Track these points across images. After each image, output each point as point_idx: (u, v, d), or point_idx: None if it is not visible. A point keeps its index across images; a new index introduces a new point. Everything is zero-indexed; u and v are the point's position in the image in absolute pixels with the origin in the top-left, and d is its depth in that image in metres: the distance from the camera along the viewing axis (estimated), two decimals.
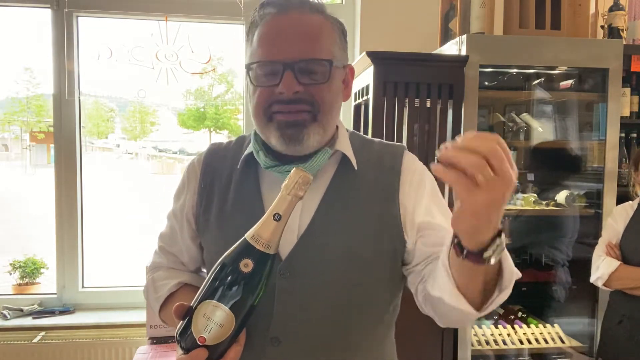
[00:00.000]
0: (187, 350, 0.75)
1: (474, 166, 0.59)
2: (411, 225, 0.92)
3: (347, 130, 1.01)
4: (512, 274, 0.76)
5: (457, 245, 0.71)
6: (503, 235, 0.72)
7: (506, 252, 0.75)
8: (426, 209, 0.93)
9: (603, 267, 1.89)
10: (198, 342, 0.74)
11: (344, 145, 0.95)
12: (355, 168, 0.93)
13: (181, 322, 0.76)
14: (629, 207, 1.99)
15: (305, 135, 0.87)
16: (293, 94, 0.85)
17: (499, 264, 0.75)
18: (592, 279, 1.96)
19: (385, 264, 0.92)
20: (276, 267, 0.85)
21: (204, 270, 1.08)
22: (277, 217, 0.74)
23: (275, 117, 0.87)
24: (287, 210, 0.74)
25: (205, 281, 0.76)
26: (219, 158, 1.01)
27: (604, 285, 1.91)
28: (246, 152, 0.97)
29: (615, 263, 1.87)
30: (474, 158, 0.59)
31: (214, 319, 0.73)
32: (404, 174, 0.95)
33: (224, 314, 0.73)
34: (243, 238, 0.75)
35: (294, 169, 0.75)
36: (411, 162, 0.97)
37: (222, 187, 0.97)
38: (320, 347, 0.89)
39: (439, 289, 0.80)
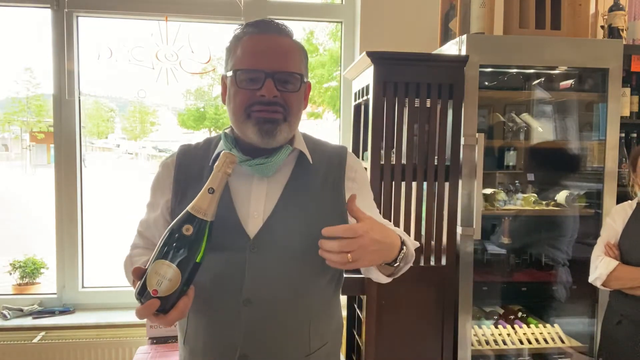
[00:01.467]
0: (142, 301, 0.89)
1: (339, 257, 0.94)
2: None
3: (301, 133, 1.22)
4: (412, 254, 1.12)
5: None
6: (404, 247, 1.06)
7: (406, 237, 1.10)
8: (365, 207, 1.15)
9: (601, 267, 1.89)
10: (151, 294, 0.88)
11: (301, 144, 1.16)
12: (311, 162, 1.15)
13: (139, 282, 0.91)
14: (627, 207, 1.98)
15: (278, 131, 1.06)
16: (272, 97, 1.05)
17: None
18: (590, 279, 1.96)
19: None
20: (246, 244, 1.06)
21: None
22: (211, 191, 0.92)
23: (254, 115, 1.06)
24: (219, 185, 0.93)
25: (157, 246, 0.91)
26: (190, 157, 1.18)
27: (603, 285, 1.90)
28: (217, 150, 1.14)
29: (613, 263, 1.87)
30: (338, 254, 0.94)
31: (164, 275, 0.88)
32: (347, 169, 1.19)
33: (172, 270, 0.89)
34: (186, 209, 0.92)
35: (223, 151, 0.95)
36: (352, 161, 1.21)
37: (194, 182, 1.11)
38: (284, 306, 1.09)
39: (365, 272, 1.15)
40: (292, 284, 1.08)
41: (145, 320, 2.09)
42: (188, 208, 0.92)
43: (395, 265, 1.05)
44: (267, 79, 1.04)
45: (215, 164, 0.94)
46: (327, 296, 1.17)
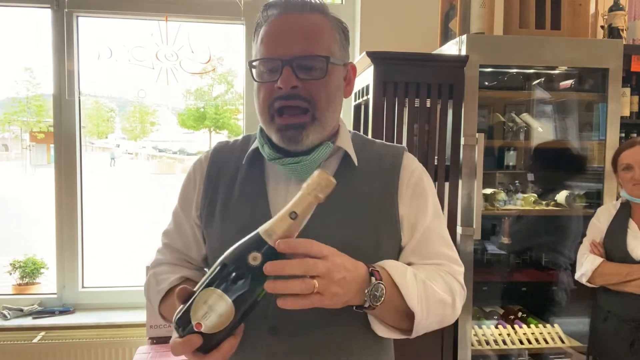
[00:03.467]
0: (183, 334, 0.74)
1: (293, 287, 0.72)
2: (408, 228, 0.98)
3: (350, 131, 1.04)
4: (414, 306, 0.87)
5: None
6: (372, 280, 0.82)
7: (408, 285, 0.86)
8: (424, 234, 0.98)
9: (587, 264, 1.96)
10: (194, 328, 0.72)
11: (345, 143, 0.99)
12: (356, 164, 0.98)
13: (182, 306, 0.75)
14: (612, 207, 2.04)
15: (305, 136, 0.92)
16: (291, 88, 0.89)
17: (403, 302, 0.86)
18: (576, 276, 2.02)
19: (382, 258, 0.93)
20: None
21: (206, 269, 1.08)
22: (294, 216, 0.73)
23: (277, 120, 0.92)
24: (305, 211, 0.74)
25: (212, 268, 0.75)
26: (226, 155, 1.05)
27: (588, 281, 1.97)
28: (252, 147, 1.01)
29: (598, 260, 1.94)
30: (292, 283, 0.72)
31: (214, 308, 0.72)
32: (403, 172, 1.00)
33: (225, 304, 0.72)
34: (256, 231, 0.74)
35: (319, 170, 0.75)
36: (410, 162, 1.02)
37: (227, 182, 1.00)
38: (316, 337, 0.91)
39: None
40: (325, 312, 0.82)
41: (145, 320, 2.10)
42: (259, 230, 0.74)
43: (365, 307, 0.82)
44: (284, 67, 0.89)
45: (306, 184, 0.74)
46: (370, 328, 0.92)
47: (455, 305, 0.96)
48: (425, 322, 0.89)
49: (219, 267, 0.74)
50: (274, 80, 0.90)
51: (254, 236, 0.74)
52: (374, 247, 0.92)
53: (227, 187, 1.00)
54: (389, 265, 0.88)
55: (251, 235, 0.74)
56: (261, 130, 1.00)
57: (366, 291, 0.80)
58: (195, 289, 0.75)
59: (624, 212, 1.99)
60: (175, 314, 0.76)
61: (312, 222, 0.88)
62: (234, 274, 0.72)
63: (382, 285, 0.82)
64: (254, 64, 0.94)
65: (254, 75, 0.94)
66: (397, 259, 0.97)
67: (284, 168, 0.96)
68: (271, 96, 0.91)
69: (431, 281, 0.91)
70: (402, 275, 0.87)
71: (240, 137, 1.09)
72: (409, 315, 0.88)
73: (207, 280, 0.74)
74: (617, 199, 2.15)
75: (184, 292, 0.76)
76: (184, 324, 0.73)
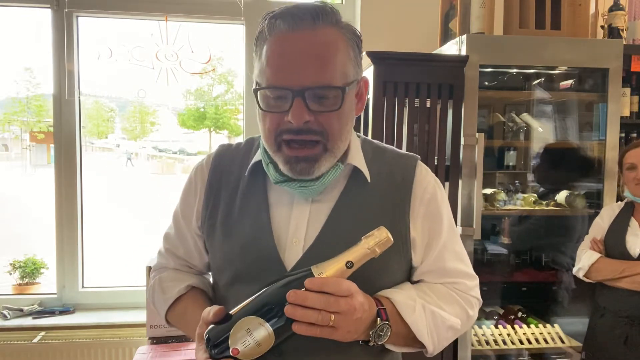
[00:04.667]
0: (215, 356, 0.75)
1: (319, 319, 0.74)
2: (421, 248, 0.95)
3: (359, 137, 0.99)
4: (424, 340, 0.88)
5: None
6: (378, 321, 0.82)
7: (417, 321, 0.87)
8: (439, 254, 0.96)
9: (584, 259, 1.99)
10: (230, 353, 0.74)
11: (357, 158, 0.94)
12: (369, 181, 0.93)
13: (217, 325, 0.76)
14: (615, 207, 2.07)
15: (316, 168, 0.87)
16: (303, 124, 0.83)
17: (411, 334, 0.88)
18: (574, 271, 2.05)
19: (391, 280, 0.92)
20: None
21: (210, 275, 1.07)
22: (350, 265, 0.76)
23: (285, 150, 0.86)
24: (360, 261, 0.76)
25: (257, 294, 0.76)
26: (228, 161, 1.00)
27: (585, 276, 1.99)
28: (254, 160, 0.95)
29: (595, 255, 1.97)
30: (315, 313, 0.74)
31: (255, 336, 0.73)
32: (416, 188, 0.95)
33: (266, 335, 0.73)
34: (309, 268, 0.76)
35: (382, 227, 0.77)
36: (423, 176, 0.97)
37: (229, 193, 0.96)
38: (321, 359, 0.87)
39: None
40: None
41: (145, 320, 2.10)
42: (313, 268, 0.76)
43: (370, 344, 0.83)
44: (295, 99, 0.81)
45: (367, 236, 0.76)
46: (382, 350, 0.92)
47: (470, 318, 0.98)
48: (438, 347, 0.92)
49: (264, 296, 0.75)
50: (283, 111, 0.83)
51: (305, 273, 0.76)
52: (382, 268, 0.89)
53: (228, 198, 0.96)
54: (397, 300, 0.87)
55: (302, 271, 0.77)
56: (265, 147, 0.93)
57: (371, 332, 0.82)
58: (233, 312, 0.76)
59: (627, 211, 2.01)
60: (210, 331, 0.76)
61: (324, 235, 0.89)
62: (278, 306, 0.73)
63: (387, 326, 0.83)
64: (260, 91, 0.86)
65: (259, 101, 0.86)
66: (406, 277, 0.96)
67: (290, 190, 0.91)
68: (279, 127, 0.85)
69: (442, 307, 0.92)
70: (411, 311, 0.87)
71: (243, 142, 1.03)
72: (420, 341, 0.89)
73: (252, 306, 0.75)
74: (617, 199, 2.15)
75: (222, 313, 0.77)
76: (220, 345, 0.74)
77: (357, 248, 0.76)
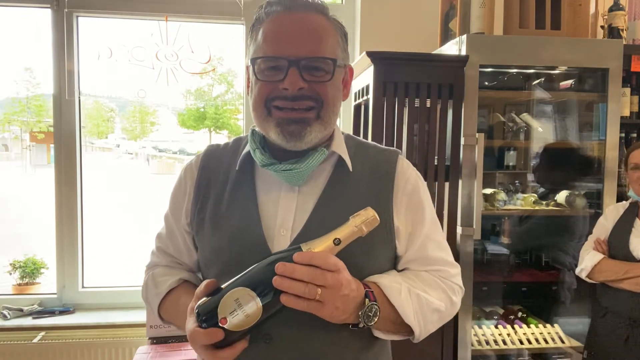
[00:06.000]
0: (204, 326, 0.77)
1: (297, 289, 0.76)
2: (405, 238, 0.98)
3: (343, 133, 1.03)
4: (414, 325, 0.92)
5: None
6: (366, 301, 0.85)
7: (404, 303, 0.90)
8: (422, 243, 0.99)
9: (587, 259, 1.98)
10: (219, 323, 0.75)
11: (340, 147, 0.98)
12: (351, 170, 0.96)
13: (207, 298, 0.79)
14: (620, 207, 2.06)
15: (308, 132, 0.90)
16: (297, 90, 0.87)
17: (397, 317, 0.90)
18: (577, 271, 2.05)
19: (376, 266, 0.95)
20: None
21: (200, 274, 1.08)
22: (337, 242, 0.78)
23: (275, 113, 0.90)
24: (348, 239, 0.79)
25: (248, 269, 0.78)
26: (216, 159, 1.03)
27: (588, 277, 1.99)
28: (243, 152, 0.99)
29: (599, 256, 1.96)
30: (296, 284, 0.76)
31: (244, 307, 0.75)
32: (398, 179, 0.98)
33: (255, 306, 0.75)
34: (298, 245, 0.79)
35: (369, 207, 0.80)
36: (405, 169, 1.01)
37: (218, 188, 0.99)
38: (312, 346, 0.90)
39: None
40: (321, 319, 0.83)
41: (145, 320, 2.10)
42: (302, 245, 0.79)
43: (360, 326, 0.85)
44: (290, 68, 0.86)
45: (354, 216, 0.79)
46: (369, 336, 0.94)
47: (454, 304, 1.00)
48: (424, 330, 0.94)
49: (256, 269, 0.77)
50: (277, 79, 0.88)
51: (294, 249, 0.78)
52: (367, 255, 0.92)
53: (217, 193, 0.99)
54: (384, 284, 0.90)
55: (291, 247, 0.80)
56: (252, 133, 0.99)
57: (360, 312, 0.84)
58: (224, 285, 0.78)
59: (631, 212, 2.00)
60: (201, 302, 0.79)
61: (310, 223, 0.91)
62: (268, 279, 0.75)
63: (375, 307, 0.85)
64: (256, 60, 0.90)
65: (255, 72, 0.90)
66: (391, 265, 0.99)
67: (277, 175, 0.93)
68: (272, 94, 0.89)
69: (427, 291, 0.95)
70: (398, 294, 0.90)
71: (231, 141, 1.07)
72: (408, 325, 0.92)
73: (242, 279, 0.77)
74: (617, 199, 2.15)
75: (213, 285, 0.80)
76: (209, 315, 0.76)
77: (345, 226, 0.79)
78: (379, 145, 1.06)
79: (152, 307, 1.06)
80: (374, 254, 0.94)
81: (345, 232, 0.79)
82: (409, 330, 0.94)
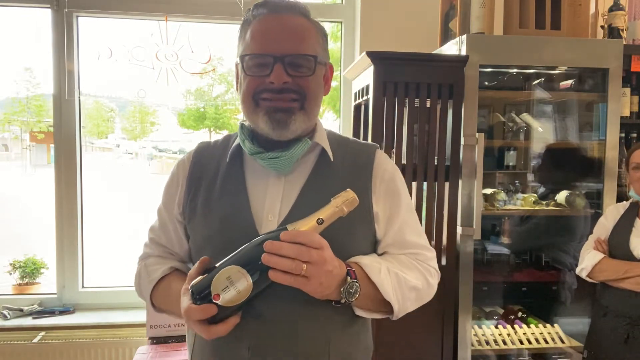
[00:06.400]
0: (198, 302, 0.83)
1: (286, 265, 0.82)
2: (384, 222, 1.06)
3: (325, 129, 1.11)
4: (390, 298, 0.98)
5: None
6: (348, 279, 0.91)
7: (383, 281, 0.96)
8: (400, 228, 1.06)
9: (588, 259, 1.99)
10: (212, 299, 0.81)
11: (322, 139, 1.06)
12: (332, 160, 1.04)
13: (202, 276, 0.85)
14: (621, 207, 2.06)
15: (292, 120, 0.98)
16: (282, 84, 0.96)
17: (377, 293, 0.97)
18: (577, 270, 2.05)
19: (358, 247, 1.02)
20: None
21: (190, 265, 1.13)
22: (320, 221, 0.85)
23: (263, 103, 0.98)
24: (330, 219, 0.85)
25: (239, 249, 0.84)
26: (207, 155, 1.11)
27: (588, 276, 1.99)
28: (233, 145, 1.07)
29: (599, 256, 1.97)
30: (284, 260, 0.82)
31: (235, 284, 0.81)
32: (376, 169, 1.07)
33: (246, 282, 0.81)
34: (285, 226, 0.85)
35: (348, 189, 0.87)
36: (382, 160, 1.09)
37: (209, 179, 1.06)
38: (299, 321, 0.97)
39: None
40: (307, 296, 0.90)
41: (145, 320, 2.10)
42: (288, 226, 0.85)
43: (342, 302, 0.92)
44: (276, 64, 0.95)
45: (336, 197, 0.86)
46: (351, 312, 1.01)
47: (430, 285, 1.08)
48: (403, 307, 1.02)
49: (247, 249, 0.83)
50: (264, 74, 0.96)
51: (281, 229, 0.84)
52: (349, 237, 1.00)
53: (208, 183, 1.05)
54: (364, 263, 0.97)
55: (279, 228, 0.85)
56: (242, 127, 1.06)
57: (342, 289, 0.90)
58: (217, 265, 0.84)
59: (632, 212, 2.01)
60: (195, 282, 0.85)
61: (296, 209, 0.99)
62: (257, 257, 0.81)
63: (356, 284, 0.92)
64: (245, 57, 0.98)
65: (244, 68, 0.99)
66: (371, 248, 1.06)
67: (264, 163, 1.01)
68: (259, 87, 0.97)
69: (405, 271, 1.02)
70: (377, 272, 0.97)
71: (220, 138, 1.14)
72: (387, 302, 0.99)
73: (234, 258, 0.83)
74: (617, 199, 2.15)
75: (206, 262, 0.88)
76: (203, 292, 0.82)
77: (327, 207, 0.85)
78: (358, 140, 1.16)
79: (144, 295, 1.10)
80: (355, 235, 1.01)
81: (328, 212, 0.85)
82: (389, 309, 1.00)
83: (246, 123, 1.05)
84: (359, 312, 1.00)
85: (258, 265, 0.81)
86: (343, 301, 0.92)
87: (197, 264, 0.90)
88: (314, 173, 1.03)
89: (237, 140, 1.06)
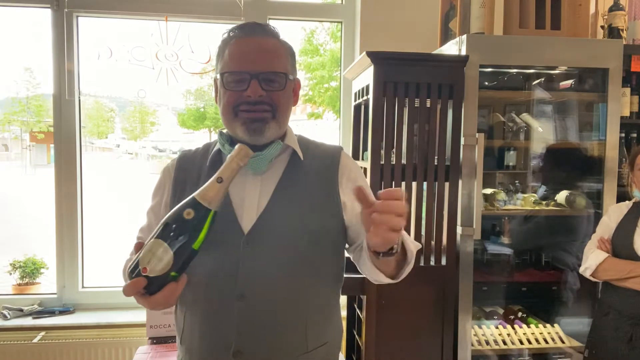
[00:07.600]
0: (132, 278, 0.89)
1: (396, 223, 0.89)
2: (351, 210, 1.16)
3: (296, 135, 1.25)
4: (413, 252, 1.09)
5: (374, 252, 0.99)
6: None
7: (404, 235, 1.05)
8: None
9: (591, 258, 1.98)
10: (141, 272, 0.88)
11: (292, 141, 1.19)
12: (302, 159, 1.17)
13: (134, 258, 0.91)
14: (624, 206, 2.05)
15: (267, 128, 1.11)
16: (258, 97, 1.09)
17: (404, 249, 1.06)
18: (580, 270, 2.04)
19: (328, 236, 1.15)
20: (240, 239, 1.09)
21: None
22: (220, 180, 0.91)
23: (241, 115, 1.10)
24: (229, 176, 0.92)
25: (158, 225, 0.91)
26: (189, 161, 1.22)
27: (592, 276, 1.99)
28: (213, 151, 1.19)
29: (603, 255, 1.96)
30: (396, 218, 0.89)
31: (157, 254, 0.88)
32: (342, 168, 1.20)
33: (166, 251, 0.88)
34: (192, 195, 0.92)
35: (239, 144, 0.94)
36: (347, 159, 1.23)
37: (192, 181, 1.17)
38: (279, 303, 1.09)
39: (367, 272, 1.14)
40: (286, 280, 1.08)
41: (145, 320, 2.10)
42: (194, 194, 0.92)
43: (393, 252, 1.00)
44: (252, 80, 1.08)
45: (230, 155, 0.94)
46: (325, 295, 1.17)
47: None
48: (410, 266, 1.11)
49: (162, 223, 0.90)
50: (242, 89, 1.09)
51: (190, 198, 0.91)
52: (320, 223, 1.12)
53: (192, 185, 1.14)
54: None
55: (188, 198, 0.92)
56: (220, 134, 1.18)
57: (397, 241, 0.97)
58: (145, 243, 0.92)
59: (635, 211, 2.00)
60: (129, 265, 0.91)
61: (273, 203, 1.12)
62: (173, 227, 0.89)
63: (410, 249, 1.07)
64: (225, 74, 1.11)
65: (224, 84, 1.11)
66: (341, 234, 1.18)
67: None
68: (237, 101, 1.10)
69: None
70: (409, 239, 1.10)
71: (201, 146, 1.26)
72: (398, 266, 1.09)
73: (153, 234, 0.90)
74: (617, 199, 2.15)
75: (138, 246, 0.93)
76: (135, 270, 0.89)
77: (223, 166, 0.92)
78: (325, 143, 1.28)
79: (125, 277, 1.15)
80: (326, 223, 1.14)
81: (225, 170, 0.92)
82: (390, 271, 1.09)
83: (225, 131, 1.18)
84: (375, 262, 1.06)
85: (173, 233, 0.88)
86: (395, 250, 0.98)
87: (132, 249, 0.96)
88: (287, 171, 1.16)
89: (217, 147, 1.18)
